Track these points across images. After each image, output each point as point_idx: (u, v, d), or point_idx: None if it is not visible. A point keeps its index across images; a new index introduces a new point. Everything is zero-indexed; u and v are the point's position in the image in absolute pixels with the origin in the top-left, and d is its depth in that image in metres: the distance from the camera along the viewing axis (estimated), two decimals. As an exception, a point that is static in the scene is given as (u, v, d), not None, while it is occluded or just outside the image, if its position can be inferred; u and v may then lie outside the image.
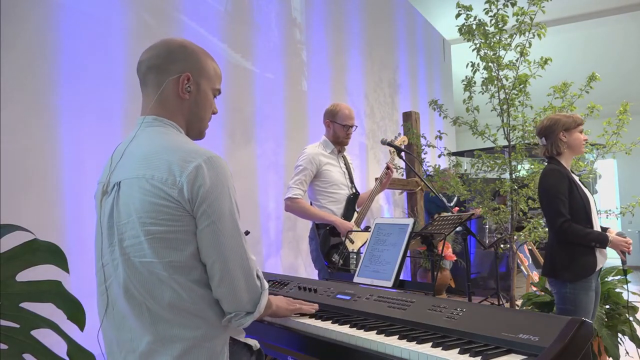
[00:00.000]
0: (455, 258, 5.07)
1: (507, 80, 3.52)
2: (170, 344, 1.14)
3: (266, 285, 1.25)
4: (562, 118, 2.45)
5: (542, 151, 2.52)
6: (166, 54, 1.26)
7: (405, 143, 3.17)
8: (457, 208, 5.33)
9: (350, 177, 2.94)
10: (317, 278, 2.79)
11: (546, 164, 2.53)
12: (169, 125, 1.26)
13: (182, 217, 1.14)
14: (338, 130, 2.88)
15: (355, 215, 2.87)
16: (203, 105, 1.32)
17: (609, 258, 2.48)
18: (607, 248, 2.35)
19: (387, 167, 2.98)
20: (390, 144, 2.98)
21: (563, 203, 2.31)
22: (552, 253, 2.40)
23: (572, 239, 2.30)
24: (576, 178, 2.44)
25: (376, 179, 3.02)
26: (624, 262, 2.45)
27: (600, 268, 2.42)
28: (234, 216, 1.19)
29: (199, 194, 1.13)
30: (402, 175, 5.22)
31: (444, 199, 5.46)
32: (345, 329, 1.40)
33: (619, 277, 3.09)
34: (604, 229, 2.44)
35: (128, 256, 1.17)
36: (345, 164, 2.96)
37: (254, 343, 1.35)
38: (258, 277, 1.23)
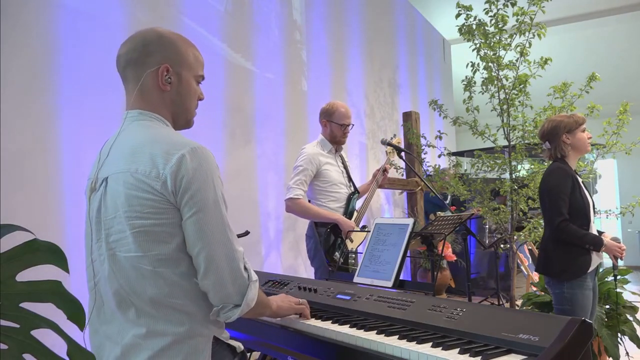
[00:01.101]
0: (455, 258, 5.07)
1: (507, 80, 3.52)
2: (153, 339, 1.14)
3: (254, 277, 1.23)
4: (563, 120, 2.44)
5: (547, 155, 2.52)
6: (142, 47, 1.24)
7: (400, 143, 3.19)
8: (452, 207, 5.32)
9: (348, 176, 2.94)
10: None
11: (546, 163, 2.53)
12: (154, 119, 1.25)
13: (167, 210, 1.13)
14: (335, 130, 2.87)
15: (355, 214, 2.87)
16: (186, 94, 1.29)
17: (605, 257, 2.50)
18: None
19: (385, 170, 2.99)
20: (390, 144, 2.99)
21: (564, 202, 2.32)
22: (547, 251, 2.41)
23: (568, 239, 2.31)
24: (580, 179, 2.44)
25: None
26: (615, 267, 2.49)
27: (597, 267, 2.43)
28: (219, 206, 1.17)
29: (182, 184, 1.12)
30: (402, 175, 5.22)
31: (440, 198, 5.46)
32: (345, 329, 1.40)
33: (619, 277, 3.10)
34: (600, 233, 2.45)
35: (113, 251, 1.17)
36: (342, 163, 2.96)
37: (238, 345, 1.33)
38: (245, 268, 1.21)
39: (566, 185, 2.33)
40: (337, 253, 2.68)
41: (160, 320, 1.14)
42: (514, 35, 3.46)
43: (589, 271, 2.32)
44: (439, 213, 5.30)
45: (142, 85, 1.24)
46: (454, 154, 5.71)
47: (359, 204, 2.97)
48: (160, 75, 1.24)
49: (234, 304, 1.19)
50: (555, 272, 2.35)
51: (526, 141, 3.57)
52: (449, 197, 5.37)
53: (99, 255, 1.20)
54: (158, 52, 1.24)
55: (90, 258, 1.24)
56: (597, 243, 2.29)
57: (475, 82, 3.70)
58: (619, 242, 2.38)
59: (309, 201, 2.89)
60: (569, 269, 2.31)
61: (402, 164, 4.87)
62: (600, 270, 3.02)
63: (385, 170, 2.99)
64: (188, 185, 1.12)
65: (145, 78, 1.23)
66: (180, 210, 1.14)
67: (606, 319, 2.88)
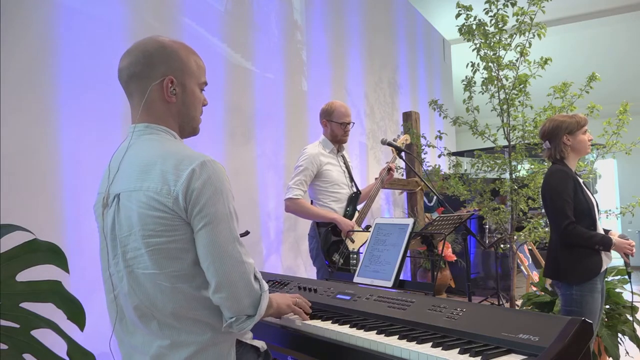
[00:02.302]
0: (455, 258, 5.07)
1: (507, 80, 3.52)
2: (178, 349, 1.16)
3: (266, 286, 1.24)
4: (565, 120, 2.40)
5: (546, 154, 2.49)
6: (144, 60, 1.22)
7: (408, 142, 3.18)
8: (441, 208, 5.31)
9: (350, 176, 2.94)
10: (316, 277, 2.79)
11: (546, 163, 2.51)
12: (161, 132, 1.24)
13: (179, 226, 1.14)
14: (335, 129, 2.88)
15: (357, 214, 2.87)
16: (192, 104, 1.29)
17: (614, 258, 2.46)
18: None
19: (390, 169, 2.98)
20: (390, 144, 2.98)
21: (568, 204, 2.28)
22: (556, 255, 2.35)
23: (576, 241, 2.27)
24: (581, 180, 2.42)
25: (376, 178, 3.02)
26: (627, 265, 2.42)
27: (606, 269, 2.40)
28: (229, 220, 1.17)
29: (191, 198, 1.12)
30: (402, 175, 5.22)
31: (425, 199, 5.46)
32: (345, 329, 1.40)
33: (619, 277, 3.09)
34: (606, 231, 2.41)
35: (131, 268, 1.18)
36: (344, 163, 2.96)
37: (261, 344, 1.34)
38: (256, 279, 1.21)
39: (568, 187, 2.30)
40: (336, 254, 2.68)
41: (182, 331, 1.17)
42: (514, 35, 3.46)
43: (600, 273, 2.28)
44: (426, 215, 5.31)
45: (147, 98, 1.23)
46: (454, 154, 5.71)
47: (359, 205, 2.97)
48: (165, 87, 1.23)
49: (246, 316, 1.19)
50: (565, 277, 2.30)
51: (526, 141, 3.56)
52: (434, 199, 5.37)
53: (116, 271, 1.21)
54: (161, 63, 1.23)
55: (107, 272, 1.25)
56: (606, 243, 2.25)
57: (475, 82, 3.70)
58: (627, 239, 2.33)
59: (311, 202, 2.89)
60: (579, 272, 2.26)
61: (402, 164, 4.87)
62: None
63: (390, 170, 2.99)
64: (197, 198, 1.13)
65: (150, 91, 1.22)
66: (191, 223, 1.15)
67: (606, 319, 2.88)
